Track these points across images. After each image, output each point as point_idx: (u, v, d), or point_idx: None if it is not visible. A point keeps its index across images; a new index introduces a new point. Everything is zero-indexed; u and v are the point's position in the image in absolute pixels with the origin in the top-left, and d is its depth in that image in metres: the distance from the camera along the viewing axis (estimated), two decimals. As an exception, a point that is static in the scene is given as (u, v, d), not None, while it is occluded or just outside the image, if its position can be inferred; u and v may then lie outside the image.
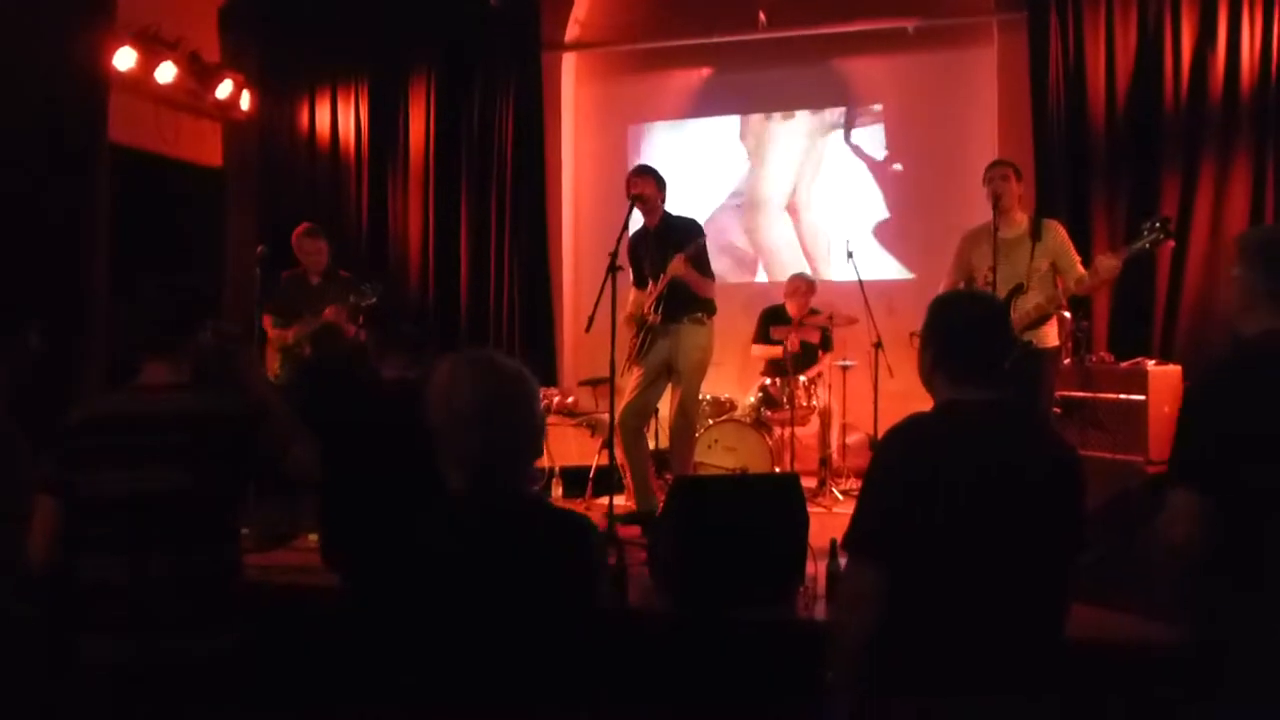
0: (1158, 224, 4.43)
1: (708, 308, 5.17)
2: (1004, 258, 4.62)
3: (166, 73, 6.66)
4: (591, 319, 4.88)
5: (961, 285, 4.84)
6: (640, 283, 5.33)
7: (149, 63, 6.53)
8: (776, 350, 6.37)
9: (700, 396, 5.60)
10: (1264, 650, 2.09)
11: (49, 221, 4.41)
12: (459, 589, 1.81)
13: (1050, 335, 4.71)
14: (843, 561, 3.15)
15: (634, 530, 4.83)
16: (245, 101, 7.50)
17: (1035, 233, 4.68)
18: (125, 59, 6.26)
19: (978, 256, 4.80)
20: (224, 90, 7.24)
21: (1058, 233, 4.73)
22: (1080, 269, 4.63)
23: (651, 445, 5.66)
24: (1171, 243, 4.52)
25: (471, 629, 1.79)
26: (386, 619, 1.86)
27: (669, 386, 5.23)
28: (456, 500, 1.89)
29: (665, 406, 5.38)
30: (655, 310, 5.06)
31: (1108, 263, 4.49)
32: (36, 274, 4.10)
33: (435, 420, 1.87)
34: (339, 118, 8.03)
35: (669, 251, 5.00)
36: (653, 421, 5.78)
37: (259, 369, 3.51)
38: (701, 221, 5.35)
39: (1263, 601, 2.12)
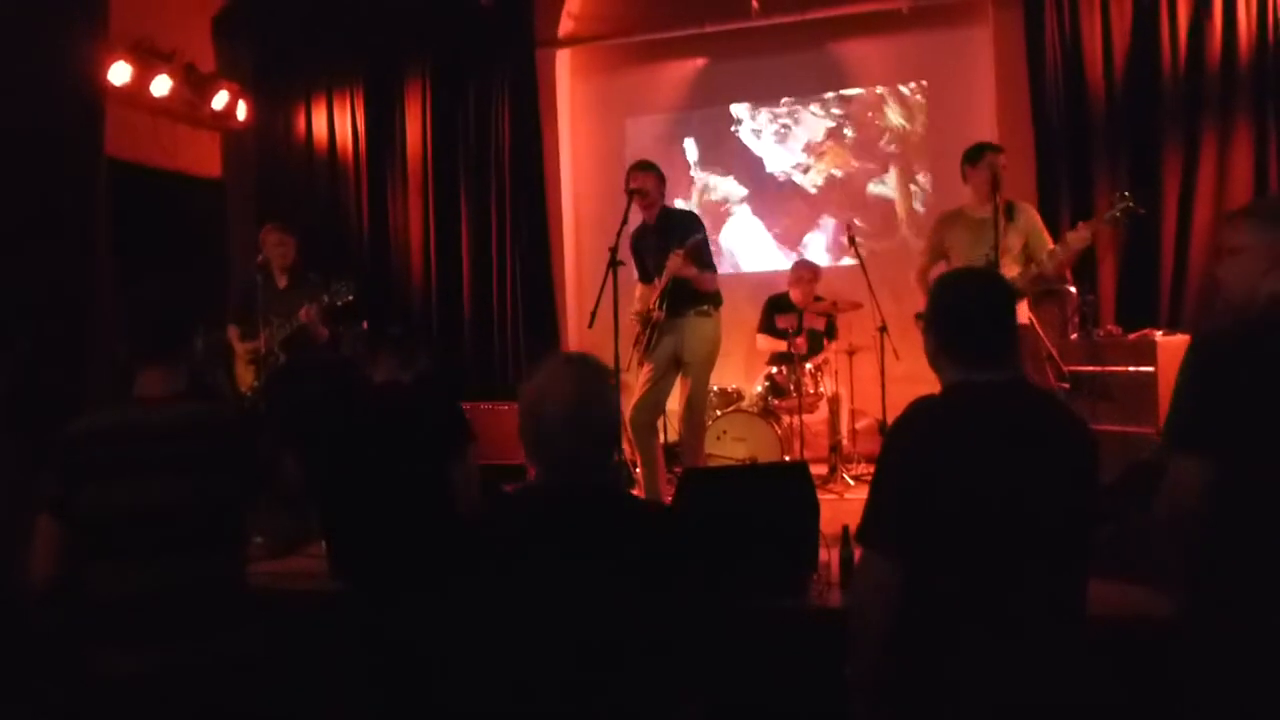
0: (1128, 193, 4.65)
1: (714, 300, 5.14)
2: (978, 236, 4.73)
3: (162, 85, 6.67)
4: (594, 314, 4.86)
5: (943, 266, 4.91)
6: (645, 278, 5.31)
7: (144, 75, 6.53)
8: (782, 344, 6.36)
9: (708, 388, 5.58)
10: (1259, 625, 2.06)
11: (49, 239, 4.40)
12: (551, 585, 1.83)
13: (1020, 312, 4.72)
14: (856, 553, 3.13)
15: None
16: (242, 111, 7.51)
17: (1008, 213, 4.81)
18: (120, 73, 6.27)
19: (951, 238, 4.96)
20: (220, 100, 7.24)
21: (1031, 215, 4.94)
22: (1051, 246, 4.78)
23: (661, 439, 5.64)
24: (1141, 211, 4.68)
25: (566, 624, 1.81)
26: (471, 621, 1.89)
27: (678, 380, 5.22)
28: (545, 494, 1.95)
29: (674, 400, 5.37)
30: (660, 306, 5.04)
31: (1076, 234, 4.65)
32: (38, 292, 4.09)
33: (529, 419, 1.93)
34: (335, 123, 8.03)
35: (670, 246, 4.97)
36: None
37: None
38: (701, 213, 5.33)
39: (1259, 576, 2.08)
